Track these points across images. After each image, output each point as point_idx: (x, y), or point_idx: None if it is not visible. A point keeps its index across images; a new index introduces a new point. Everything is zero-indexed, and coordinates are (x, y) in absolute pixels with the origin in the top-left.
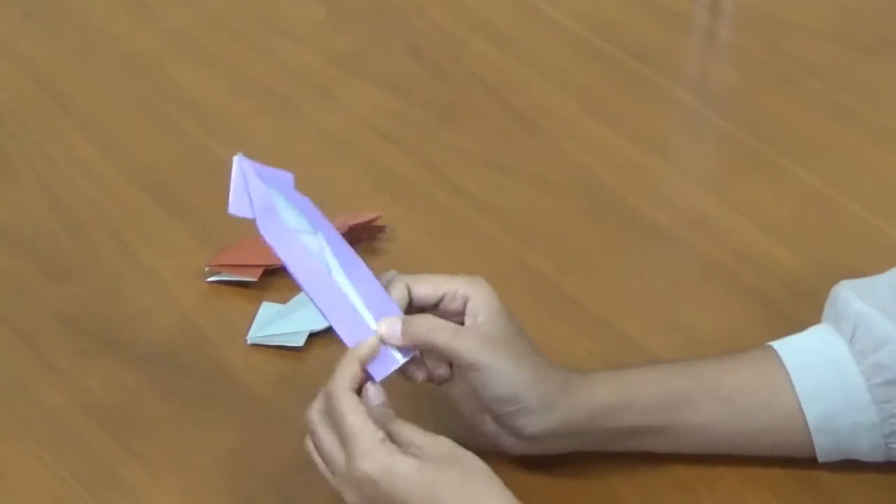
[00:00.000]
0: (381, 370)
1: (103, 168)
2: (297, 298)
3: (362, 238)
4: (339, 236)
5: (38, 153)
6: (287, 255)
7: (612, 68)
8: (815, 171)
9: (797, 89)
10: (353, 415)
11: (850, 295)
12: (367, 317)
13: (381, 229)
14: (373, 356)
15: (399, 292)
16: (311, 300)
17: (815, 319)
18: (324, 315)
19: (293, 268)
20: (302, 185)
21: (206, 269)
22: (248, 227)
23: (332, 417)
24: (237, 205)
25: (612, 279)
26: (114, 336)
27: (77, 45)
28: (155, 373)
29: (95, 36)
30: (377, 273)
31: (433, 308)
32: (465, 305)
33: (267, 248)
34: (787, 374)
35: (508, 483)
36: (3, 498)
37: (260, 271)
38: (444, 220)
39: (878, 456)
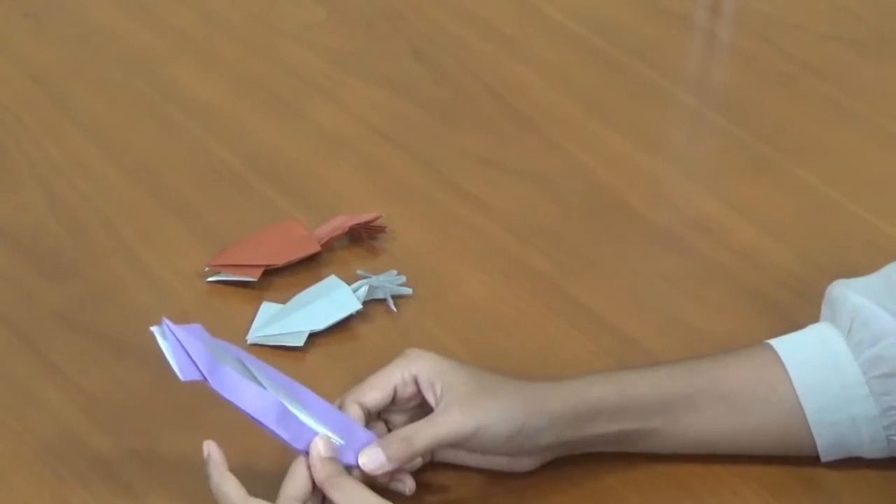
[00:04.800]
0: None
1: (103, 168)
2: (297, 298)
3: (362, 238)
4: (274, 370)
5: (38, 153)
6: (246, 404)
7: (613, 68)
8: (815, 171)
9: (797, 89)
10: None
11: (845, 290)
12: (336, 440)
13: (381, 229)
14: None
15: (355, 412)
16: (282, 440)
17: (815, 319)
18: (292, 447)
19: (256, 413)
20: (302, 185)
21: (206, 269)
22: (248, 228)
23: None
24: (185, 371)
25: (612, 279)
26: (114, 336)
27: (77, 45)
28: (155, 373)
29: (95, 36)
30: (378, 271)
31: (392, 404)
32: (416, 383)
33: (267, 249)
34: (785, 370)
35: (505, 485)
36: (3, 498)
37: (260, 271)
38: (444, 220)
39: (879, 451)
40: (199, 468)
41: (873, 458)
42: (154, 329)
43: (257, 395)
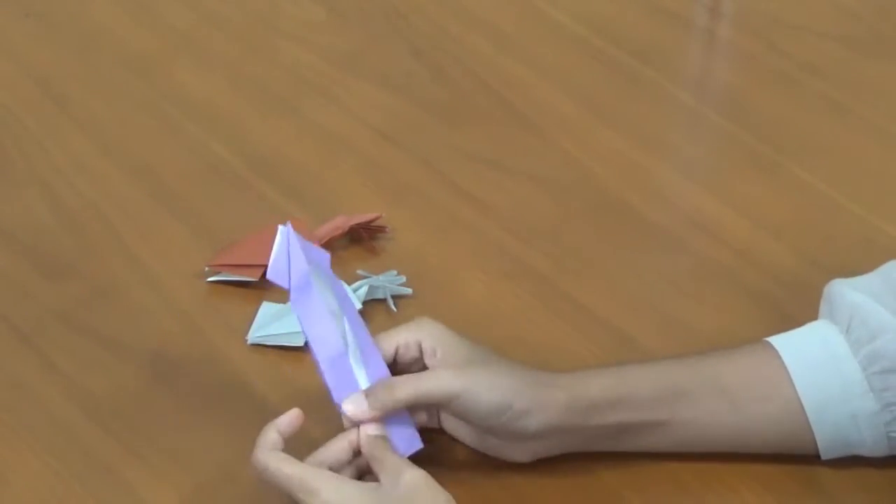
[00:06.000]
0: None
1: (103, 168)
2: None
3: (362, 238)
4: (362, 323)
5: (38, 153)
6: (311, 332)
7: (613, 68)
8: (814, 170)
9: (797, 89)
10: (284, 464)
11: (843, 288)
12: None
13: (381, 229)
14: (291, 428)
15: None
16: (323, 378)
17: (815, 318)
18: (331, 394)
19: (316, 346)
20: (302, 185)
21: (206, 269)
22: (248, 228)
23: (271, 479)
24: (275, 272)
25: (612, 279)
26: (114, 336)
27: (77, 45)
28: (155, 373)
29: (95, 36)
30: (378, 271)
31: (393, 364)
32: (419, 349)
33: (267, 248)
34: (785, 367)
35: (503, 482)
36: (3, 498)
37: (260, 271)
38: (444, 220)
39: (880, 449)
40: (199, 468)
41: (874, 456)
42: (280, 227)
43: (327, 331)
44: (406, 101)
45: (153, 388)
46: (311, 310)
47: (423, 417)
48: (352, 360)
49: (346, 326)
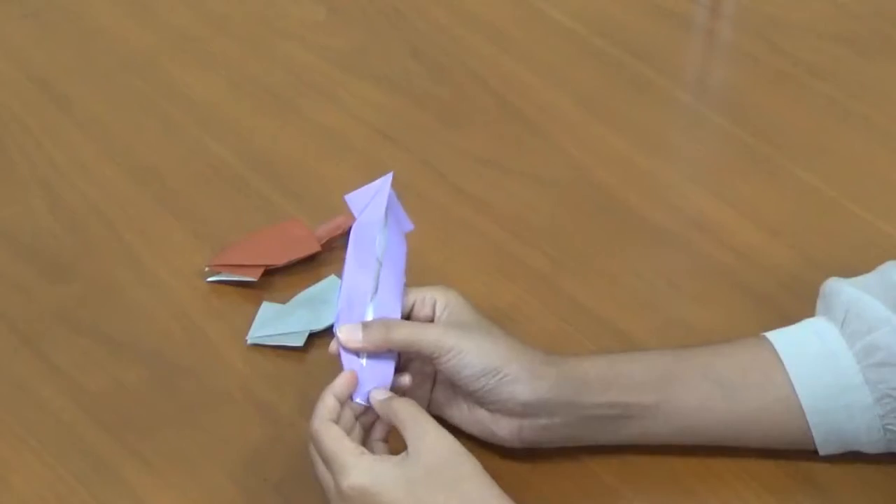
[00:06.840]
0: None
1: (103, 168)
2: (297, 298)
3: None
4: (400, 287)
5: (38, 153)
6: (351, 261)
7: (612, 68)
8: (815, 170)
9: (797, 89)
10: (330, 439)
11: (840, 284)
12: None
13: None
14: (348, 390)
15: None
16: (337, 305)
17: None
18: (336, 320)
19: (346, 274)
20: (302, 186)
21: (206, 269)
22: (248, 228)
23: (316, 448)
24: (355, 199)
25: (612, 279)
26: (114, 336)
27: (77, 45)
28: (155, 373)
29: (95, 36)
30: None
31: (407, 317)
32: (434, 309)
33: (267, 249)
34: (779, 358)
35: (501, 480)
36: (3, 498)
37: (260, 271)
38: (444, 220)
39: (876, 443)
40: (199, 467)
41: (871, 452)
42: (388, 175)
43: (364, 269)
44: (406, 100)
45: (153, 388)
46: (363, 245)
47: (428, 369)
48: (370, 304)
49: (381, 277)
